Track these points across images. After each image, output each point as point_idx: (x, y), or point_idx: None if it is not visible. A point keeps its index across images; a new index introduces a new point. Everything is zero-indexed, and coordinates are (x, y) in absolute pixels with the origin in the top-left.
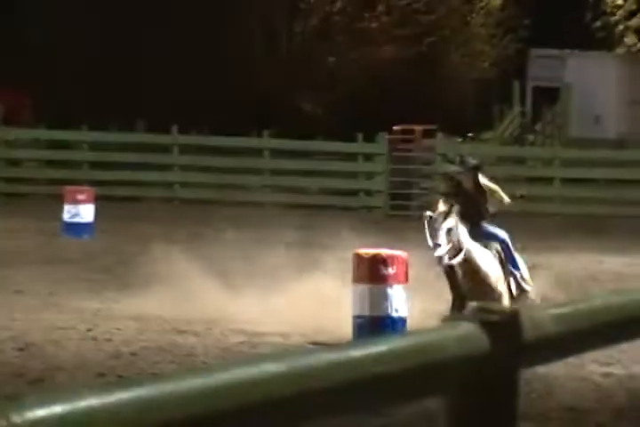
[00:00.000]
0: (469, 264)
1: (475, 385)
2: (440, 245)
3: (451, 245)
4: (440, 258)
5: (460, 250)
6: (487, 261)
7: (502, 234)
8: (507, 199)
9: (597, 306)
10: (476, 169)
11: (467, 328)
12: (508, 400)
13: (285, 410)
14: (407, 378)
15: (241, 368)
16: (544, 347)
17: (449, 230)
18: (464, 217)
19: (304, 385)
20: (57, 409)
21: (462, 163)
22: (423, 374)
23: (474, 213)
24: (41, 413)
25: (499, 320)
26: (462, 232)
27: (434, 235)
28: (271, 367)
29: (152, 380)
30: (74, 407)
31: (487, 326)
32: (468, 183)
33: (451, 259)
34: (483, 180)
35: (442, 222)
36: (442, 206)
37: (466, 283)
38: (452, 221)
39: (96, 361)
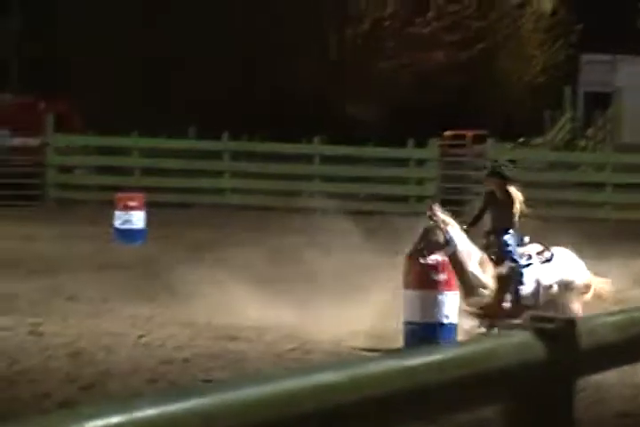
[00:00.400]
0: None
1: (530, 393)
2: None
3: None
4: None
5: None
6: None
7: (515, 254)
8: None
9: None
10: (507, 178)
11: (522, 337)
12: (564, 407)
13: (343, 419)
14: (463, 386)
15: (300, 377)
16: (600, 355)
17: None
18: (493, 224)
19: (362, 394)
20: (114, 420)
21: (496, 172)
22: (479, 382)
23: (500, 221)
24: (99, 423)
25: (554, 329)
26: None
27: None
28: (330, 376)
29: (212, 389)
30: (132, 417)
31: (543, 334)
32: (498, 192)
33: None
34: (512, 189)
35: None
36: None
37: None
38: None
39: (148, 367)
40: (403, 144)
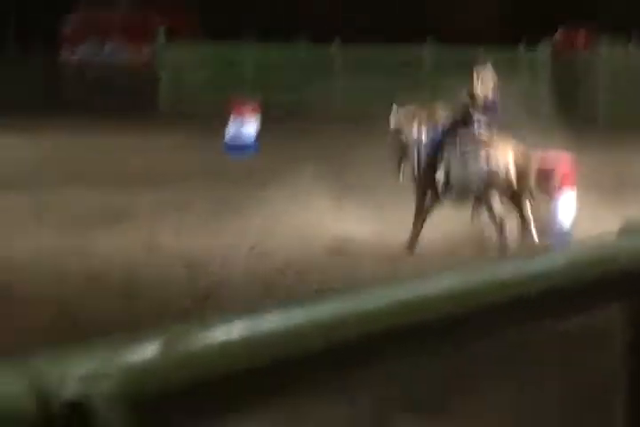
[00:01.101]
0: None
1: None
2: None
3: None
4: None
5: None
6: None
7: None
8: None
9: None
10: None
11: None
12: None
13: (465, 325)
14: (585, 290)
15: (420, 285)
16: None
17: None
18: None
19: (483, 299)
20: (238, 330)
21: None
22: (598, 286)
23: None
24: (221, 335)
25: None
26: None
27: None
28: (448, 282)
29: (332, 299)
30: (257, 328)
31: None
32: None
33: None
34: None
35: None
36: None
37: None
38: None
39: (262, 278)
40: (511, 44)
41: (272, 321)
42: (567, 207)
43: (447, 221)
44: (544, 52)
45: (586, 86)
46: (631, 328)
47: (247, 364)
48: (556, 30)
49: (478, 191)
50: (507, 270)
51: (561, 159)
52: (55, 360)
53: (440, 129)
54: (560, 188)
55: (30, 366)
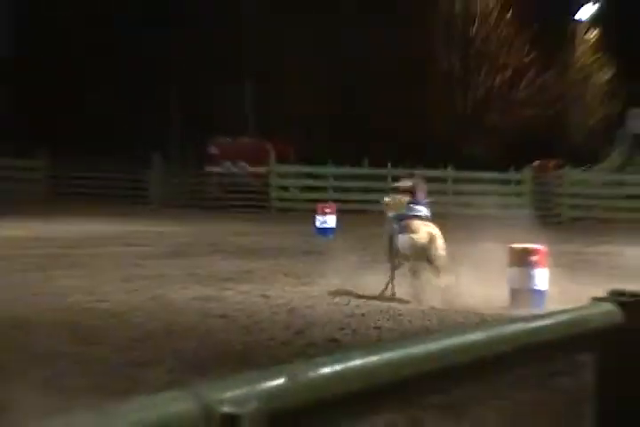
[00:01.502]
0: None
1: (613, 349)
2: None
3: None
4: None
5: None
6: None
7: None
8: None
9: None
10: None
11: (606, 307)
12: (638, 362)
13: (486, 368)
14: (563, 342)
15: (449, 337)
16: None
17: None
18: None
19: (499, 349)
20: (331, 368)
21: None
22: (574, 340)
23: None
24: (326, 370)
25: (631, 301)
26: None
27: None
28: (474, 336)
29: (399, 345)
30: (346, 366)
31: (621, 305)
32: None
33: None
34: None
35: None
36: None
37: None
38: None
39: (337, 319)
40: (506, 170)
41: (356, 360)
42: (542, 279)
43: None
44: (527, 173)
45: (554, 196)
46: (599, 372)
47: (358, 387)
48: (535, 160)
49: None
50: (519, 326)
51: (538, 248)
52: (215, 387)
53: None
54: (537, 265)
55: (198, 392)
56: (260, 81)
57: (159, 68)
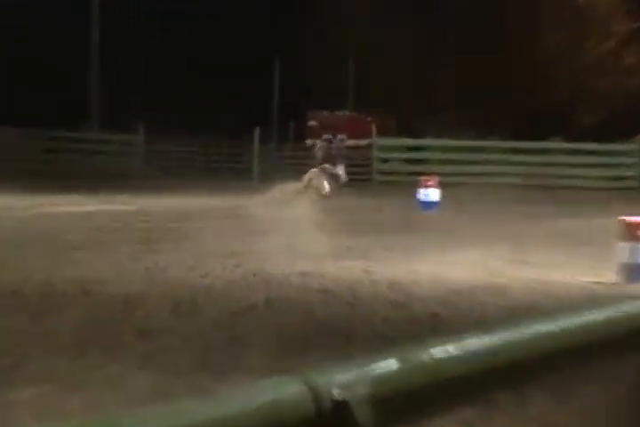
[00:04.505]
0: None
1: None
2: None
3: None
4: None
5: None
6: None
7: None
8: None
9: None
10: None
11: None
12: None
13: (554, 364)
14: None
15: (567, 318)
16: None
17: None
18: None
19: (571, 342)
20: (451, 349)
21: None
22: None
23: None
24: (442, 354)
25: None
26: None
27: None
28: (544, 327)
29: (509, 327)
30: (463, 349)
31: None
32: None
33: None
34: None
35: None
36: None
37: None
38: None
39: (440, 295)
40: (613, 140)
41: (473, 342)
42: None
43: None
44: (635, 144)
45: None
46: None
47: (460, 373)
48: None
49: None
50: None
51: None
52: (324, 372)
53: None
54: None
55: (308, 377)
56: (359, 54)
57: (263, 42)
